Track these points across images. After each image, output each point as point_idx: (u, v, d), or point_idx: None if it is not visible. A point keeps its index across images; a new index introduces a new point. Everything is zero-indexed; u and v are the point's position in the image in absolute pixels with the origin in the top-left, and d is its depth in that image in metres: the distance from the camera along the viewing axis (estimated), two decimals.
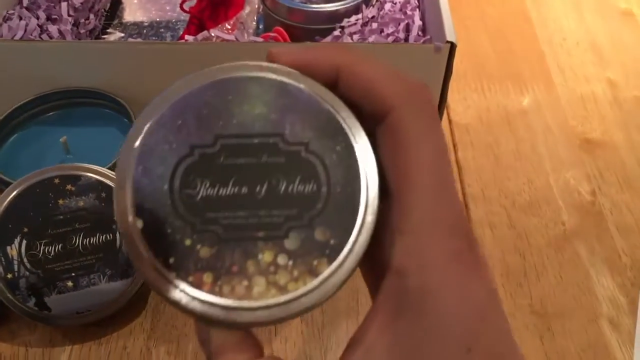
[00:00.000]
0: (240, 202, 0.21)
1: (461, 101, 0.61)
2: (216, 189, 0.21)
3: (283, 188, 0.22)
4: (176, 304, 0.21)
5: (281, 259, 0.21)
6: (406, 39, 0.52)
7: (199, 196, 0.21)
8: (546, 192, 0.53)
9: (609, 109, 0.60)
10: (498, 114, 0.60)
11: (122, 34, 0.59)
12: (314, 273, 0.21)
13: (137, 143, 0.22)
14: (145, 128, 0.22)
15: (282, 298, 0.21)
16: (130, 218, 0.21)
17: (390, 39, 0.52)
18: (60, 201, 0.41)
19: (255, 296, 0.21)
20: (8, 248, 0.40)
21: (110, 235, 0.42)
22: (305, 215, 0.21)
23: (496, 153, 0.56)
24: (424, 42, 0.50)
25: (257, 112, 0.22)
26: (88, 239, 0.41)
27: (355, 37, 0.53)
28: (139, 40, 0.56)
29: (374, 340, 0.22)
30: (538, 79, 0.64)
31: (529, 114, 0.60)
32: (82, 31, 0.57)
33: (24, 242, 0.40)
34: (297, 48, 0.23)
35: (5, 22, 0.53)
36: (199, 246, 0.21)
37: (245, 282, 0.21)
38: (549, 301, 0.45)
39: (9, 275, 0.40)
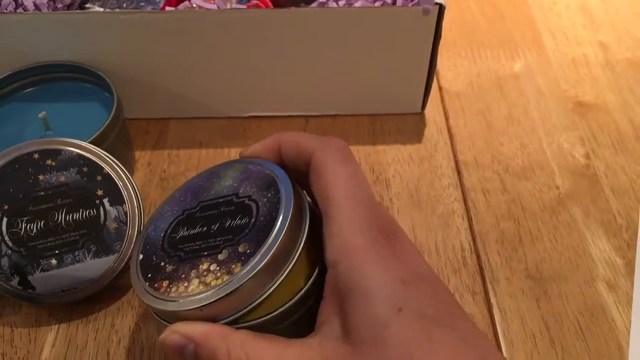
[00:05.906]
0: (200, 236, 0.31)
1: (451, 68, 0.60)
2: (189, 231, 0.32)
3: (228, 224, 0.31)
4: (142, 301, 0.31)
5: (212, 267, 0.30)
6: (394, 3, 0.51)
7: (178, 237, 0.32)
8: (540, 157, 0.52)
9: (601, 72, 0.59)
10: (489, 79, 0.59)
11: (101, 9, 0.58)
12: (230, 272, 0.29)
13: (156, 212, 0.35)
14: (164, 204, 0.35)
15: (204, 290, 0.29)
16: (136, 253, 0.33)
17: (378, 3, 0.51)
18: (41, 177, 0.40)
19: (188, 292, 0.29)
20: None
21: (94, 210, 0.40)
22: (236, 238, 0.30)
23: (488, 119, 0.55)
24: (412, 5, 0.49)
25: (227, 184, 0.33)
26: (71, 215, 0.40)
27: (341, 2, 0.51)
28: (117, 10, 0.54)
29: (328, 326, 0.28)
30: (529, 43, 0.63)
31: (520, 78, 0.59)
32: (59, 5, 0.55)
33: (5, 219, 0.39)
34: (252, 147, 0.34)
35: None
36: (167, 265, 0.31)
37: (185, 284, 0.30)
38: (544, 265, 0.44)
39: None
